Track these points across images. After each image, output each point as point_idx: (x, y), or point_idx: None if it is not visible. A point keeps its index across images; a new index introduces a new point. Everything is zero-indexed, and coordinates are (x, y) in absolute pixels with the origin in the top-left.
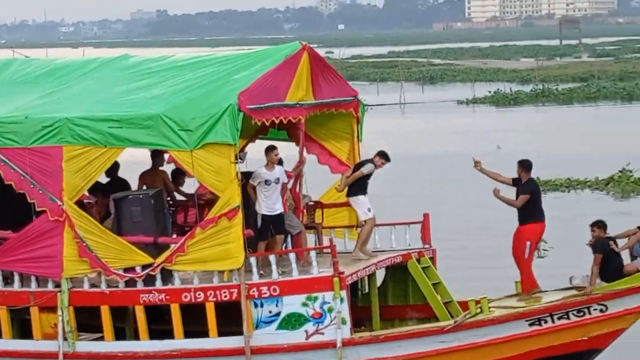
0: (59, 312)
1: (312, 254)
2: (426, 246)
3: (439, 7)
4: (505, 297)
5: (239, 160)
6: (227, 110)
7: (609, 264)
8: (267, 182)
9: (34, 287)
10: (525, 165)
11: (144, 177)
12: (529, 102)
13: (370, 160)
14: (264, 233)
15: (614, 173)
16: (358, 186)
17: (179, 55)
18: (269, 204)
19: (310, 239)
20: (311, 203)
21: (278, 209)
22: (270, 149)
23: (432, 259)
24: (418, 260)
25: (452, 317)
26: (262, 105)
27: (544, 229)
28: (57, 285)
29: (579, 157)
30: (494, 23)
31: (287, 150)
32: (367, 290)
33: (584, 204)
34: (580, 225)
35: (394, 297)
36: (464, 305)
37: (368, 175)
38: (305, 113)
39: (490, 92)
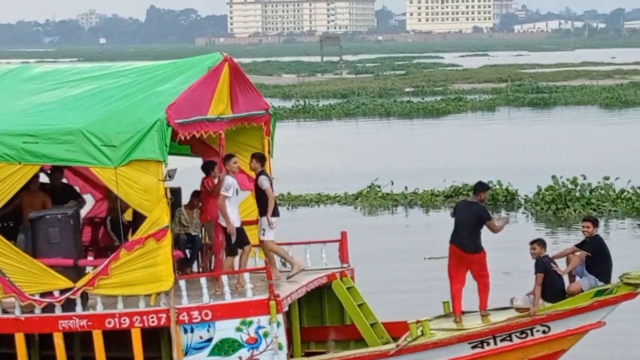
0: None
1: (246, 276)
2: (345, 265)
3: (201, 23)
4: (434, 318)
5: (168, 178)
6: (155, 125)
7: (551, 283)
8: (237, 191)
9: None
10: (478, 187)
11: (23, 199)
12: (289, 118)
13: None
14: (236, 248)
15: (363, 188)
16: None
17: (91, 65)
18: (235, 215)
19: None
20: None
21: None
22: (228, 158)
23: (352, 278)
24: (341, 280)
25: (378, 339)
26: (188, 120)
27: (453, 251)
28: None
29: (333, 172)
30: (257, 39)
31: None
32: None
33: (334, 219)
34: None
35: (309, 318)
36: (389, 326)
37: (263, 195)
38: (224, 127)
39: None
